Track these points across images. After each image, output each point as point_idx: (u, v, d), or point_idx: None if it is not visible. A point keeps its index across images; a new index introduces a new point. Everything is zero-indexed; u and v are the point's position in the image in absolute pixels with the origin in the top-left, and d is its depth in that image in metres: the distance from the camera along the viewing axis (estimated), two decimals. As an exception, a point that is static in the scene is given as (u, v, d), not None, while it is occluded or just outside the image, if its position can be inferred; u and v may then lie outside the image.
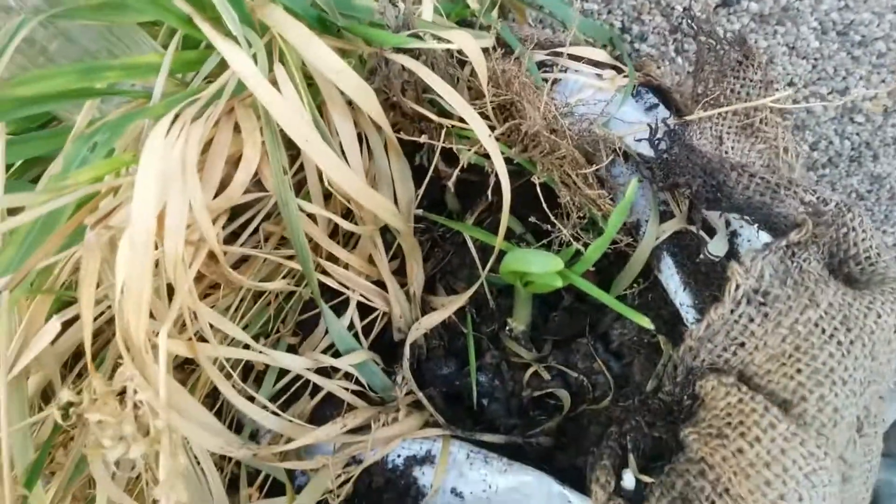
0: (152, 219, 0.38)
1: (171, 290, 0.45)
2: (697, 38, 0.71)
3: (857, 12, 1.08)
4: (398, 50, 0.56)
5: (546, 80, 0.70)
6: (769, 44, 1.12)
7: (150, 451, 0.35)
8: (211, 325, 0.49)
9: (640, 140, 0.64)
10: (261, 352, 0.54)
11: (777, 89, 0.70)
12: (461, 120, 0.56)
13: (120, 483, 0.52)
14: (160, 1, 0.49)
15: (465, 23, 0.78)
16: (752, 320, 0.52)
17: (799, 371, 0.49)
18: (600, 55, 0.73)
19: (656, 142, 0.62)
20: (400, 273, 0.67)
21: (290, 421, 0.56)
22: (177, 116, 0.45)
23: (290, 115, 0.49)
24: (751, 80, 0.70)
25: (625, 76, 0.72)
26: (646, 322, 0.54)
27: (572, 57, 0.73)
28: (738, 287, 0.52)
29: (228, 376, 0.55)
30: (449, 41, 0.55)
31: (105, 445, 0.32)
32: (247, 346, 0.54)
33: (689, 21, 0.72)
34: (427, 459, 0.57)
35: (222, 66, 0.53)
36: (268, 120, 0.51)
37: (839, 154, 1.23)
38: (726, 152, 0.67)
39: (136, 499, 0.52)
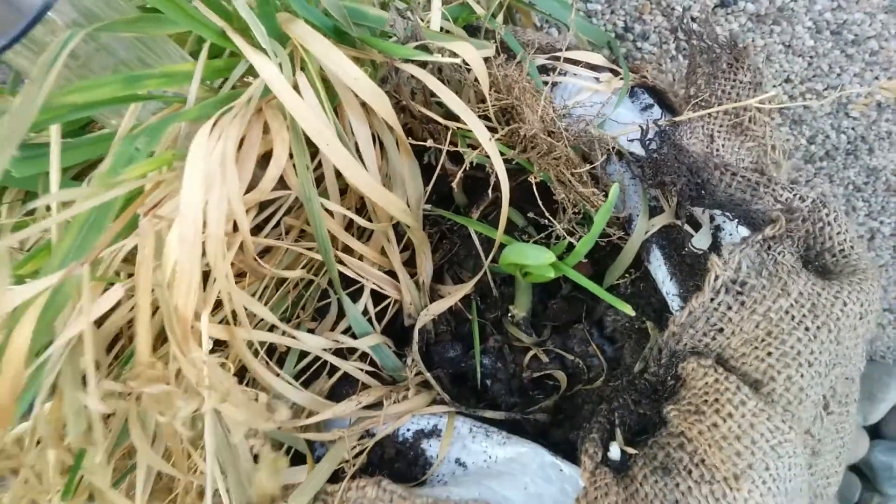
0: (200, 211, 0.43)
1: (205, 277, 0.50)
2: (690, 42, 0.75)
3: (850, 12, 1.11)
4: (406, 60, 0.60)
5: (546, 84, 0.74)
6: (766, 42, 1.16)
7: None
8: (245, 309, 0.55)
9: (632, 140, 0.68)
10: (293, 336, 0.59)
11: (766, 91, 0.74)
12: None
13: (157, 452, 0.57)
14: (195, 14, 0.54)
15: (471, 28, 0.82)
16: (729, 308, 0.57)
17: (769, 354, 0.54)
18: (597, 59, 0.77)
19: (647, 142, 0.65)
20: (410, 263, 0.71)
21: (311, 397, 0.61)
22: (217, 119, 0.50)
23: (313, 121, 0.53)
24: (741, 82, 0.73)
25: (621, 78, 0.76)
26: (628, 309, 0.59)
27: (571, 61, 0.77)
28: (717, 278, 0.56)
29: (256, 355, 0.60)
30: (453, 52, 0.59)
31: (177, 405, 0.37)
32: (273, 330, 0.59)
33: (683, 23, 0.75)
34: (434, 433, 0.62)
35: (248, 72, 0.58)
36: (293, 123, 0.56)
37: (836, 147, 1.26)
38: (717, 150, 0.71)
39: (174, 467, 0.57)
